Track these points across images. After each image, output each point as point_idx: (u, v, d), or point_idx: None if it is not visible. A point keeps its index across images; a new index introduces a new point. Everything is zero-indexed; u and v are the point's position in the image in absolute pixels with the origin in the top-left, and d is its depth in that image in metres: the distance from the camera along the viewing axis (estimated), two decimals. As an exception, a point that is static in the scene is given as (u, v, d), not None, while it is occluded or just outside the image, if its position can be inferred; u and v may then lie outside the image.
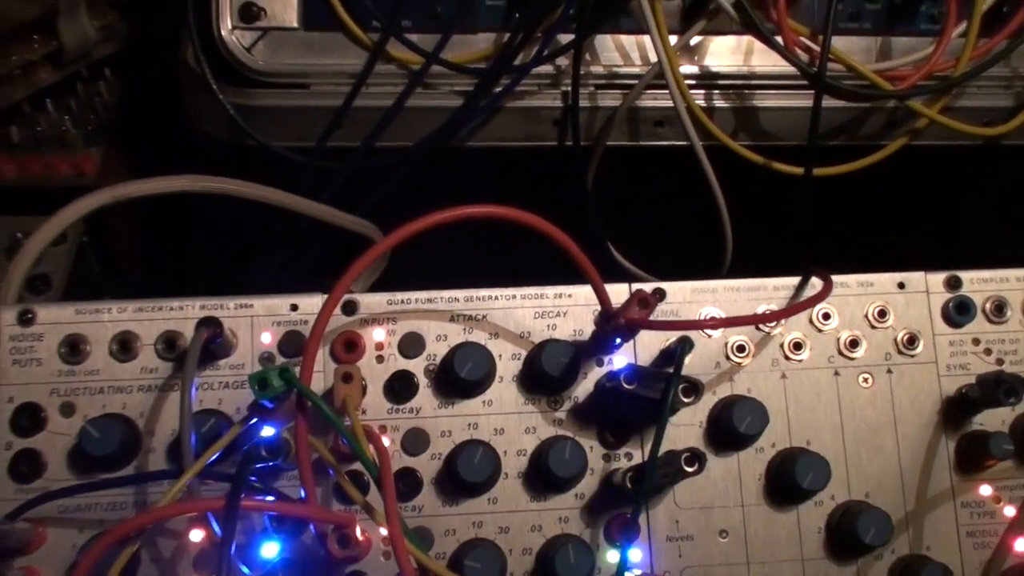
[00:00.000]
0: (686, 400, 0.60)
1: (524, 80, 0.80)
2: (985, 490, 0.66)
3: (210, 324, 0.62)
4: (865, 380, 0.66)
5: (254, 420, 0.58)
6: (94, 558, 0.52)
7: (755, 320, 0.64)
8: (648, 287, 0.66)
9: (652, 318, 0.60)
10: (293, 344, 0.64)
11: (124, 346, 0.63)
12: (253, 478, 0.60)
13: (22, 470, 0.62)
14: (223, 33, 0.79)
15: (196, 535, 0.61)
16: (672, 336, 0.65)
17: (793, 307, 0.63)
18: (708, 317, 0.66)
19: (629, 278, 0.84)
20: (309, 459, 0.56)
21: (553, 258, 0.62)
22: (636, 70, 0.81)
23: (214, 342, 0.63)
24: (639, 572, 0.61)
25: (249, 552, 0.59)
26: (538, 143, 0.83)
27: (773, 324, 0.66)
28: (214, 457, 0.58)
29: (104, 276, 0.95)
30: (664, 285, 0.67)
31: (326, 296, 0.64)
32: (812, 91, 0.77)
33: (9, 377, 0.63)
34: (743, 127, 0.83)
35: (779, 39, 0.74)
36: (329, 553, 0.55)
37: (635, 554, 0.63)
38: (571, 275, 0.65)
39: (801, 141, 0.81)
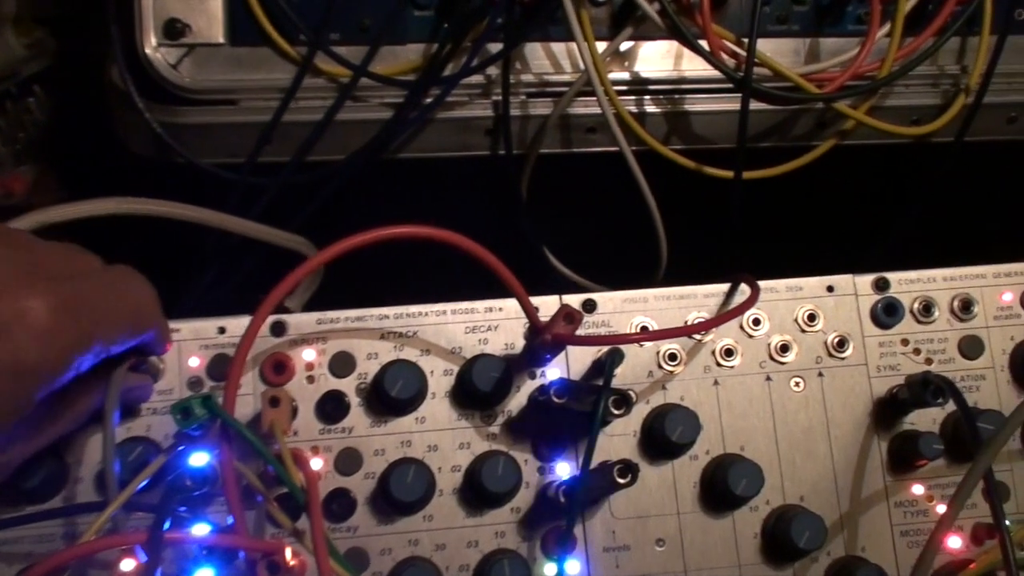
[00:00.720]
0: (617, 412, 0.60)
1: (454, 90, 0.79)
2: (918, 489, 0.66)
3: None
4: (797, 384, 0.67)
5: (180, 448, 0.58)
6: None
7: (684, 332, 0.64)
8: (577, 299, 0.66)
9: (581, 331, 0.60)
10: (221, 368, 0.63)
11: (48, 375, 0.62)
12: (182, 508, 0.59)
13: (-52, 504, 0.61)
14: (147, 50, 0.78)
15: (127, 564, 0.60)
16: (604, 347, 0.65)
17: (721, 316, 0.63)
18: (639, 327, 0.66)
19: (564, 286, 0.85)
20: (237, 486, 0.55)
21: (473, 271, 0.62)
22: (567, 77, 0.81)
23: (139, 368, 0.62)
24: (573, 586, 0.61)
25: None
26: (471, 153, 0.83)
27: (704, 332, 0.66)
28: (142, 485, 0.57)
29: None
30: (594, 296, 0.67)
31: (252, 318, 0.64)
32: (738, 95, 0.77)
33: (-69, 410, 0.61)
34: (674, 132, 0.83)
35: (704, 44, 0.74)
36: (260, 579, 0.55)
37: (572, 566, 0.63)
38: (495, 286, 0.65)
39: (731, 144, 0.81)
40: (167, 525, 0.53)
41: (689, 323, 0.66)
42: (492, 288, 0.66)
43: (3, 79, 0.94)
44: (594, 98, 0.79)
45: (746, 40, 0.75)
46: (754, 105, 0.77)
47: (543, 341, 0.59)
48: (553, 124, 0.81)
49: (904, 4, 0.75)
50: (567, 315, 0.58)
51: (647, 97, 0.82)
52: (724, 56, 0.76)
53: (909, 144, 0.84)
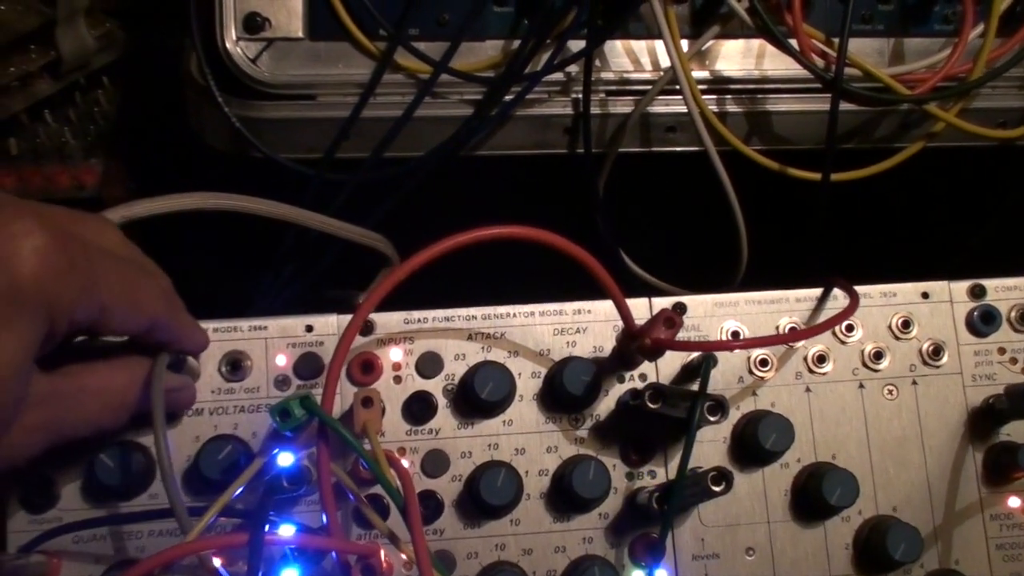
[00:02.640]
0: (712, 419, 0.59)
1: (534, 88, 0.78)
2: (1014, 502, 0.65)
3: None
4: (890, 392, 0.65)
5: (277, 450, 0.57)
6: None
7: (783, 340, 0.63)
8: (667, 301, 0.65)
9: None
10: (309, 366, 0.63)
11: (136, 371, 0.62)
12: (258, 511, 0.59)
13: (35, 501, 0.61)
14: (227, 44, 0.77)
15: (216, 563, 0.60)
16: (695, 351, 0.64)
17: (821, 325, 0.62)
18: (730, 331, 0.65)
19: (644, 288, 0.84)
20: (331, 487, 0.55)
21: (568, 271, 0.61)
22: (647, 75, 0.80)
23: (178, 367, 0.61)
24: (665, 594, 0.60)
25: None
26: (549, 151, 0.82)
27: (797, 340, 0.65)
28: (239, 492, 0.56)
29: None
30: (684, 299, 0.65)
31: (340, 316, 0.64)
32: (825, 94, 0.76)
33: (19, 405, 0.61)
34: (755, 132, 0.81)
35: (794, 43, 0.73)
36: (354, 584, 0.54)
37: (660, 574, 0.62)
38: (587, 288, 0.64)
39: (815, 145, 0.80)
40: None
41: (781, 327, 0.65)
42: (567, 291, 0.66)
43: (74, 70, 0.94)
44: (674, 97, 0.79)
45: (834, 39, 0.74)
46: (841, 106, 0.75)
47: (641, 346, 0.58)
48: (634, 123, 0.80)
49: (999, 4, 0.73)
50: (667, 319, 0.57)
51: (728, 96, 0.81)
52: (813, 56, 0.74)
53: (995, 148, 0.82)
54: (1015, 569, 0.64)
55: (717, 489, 0.59)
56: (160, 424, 0.53)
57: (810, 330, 0.62)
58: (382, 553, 0.55)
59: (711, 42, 0.80)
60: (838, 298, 0.66)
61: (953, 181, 0.86)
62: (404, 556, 0.59)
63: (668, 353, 0.64)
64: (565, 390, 0.62)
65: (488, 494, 0.60)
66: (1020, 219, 0.82)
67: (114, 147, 0.96)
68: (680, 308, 0.65)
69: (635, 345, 0.59)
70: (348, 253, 0.81)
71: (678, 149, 0.82)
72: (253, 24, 0.78)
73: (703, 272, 0.80)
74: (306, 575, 0.58)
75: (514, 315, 0.65)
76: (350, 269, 0.83)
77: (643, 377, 0.65)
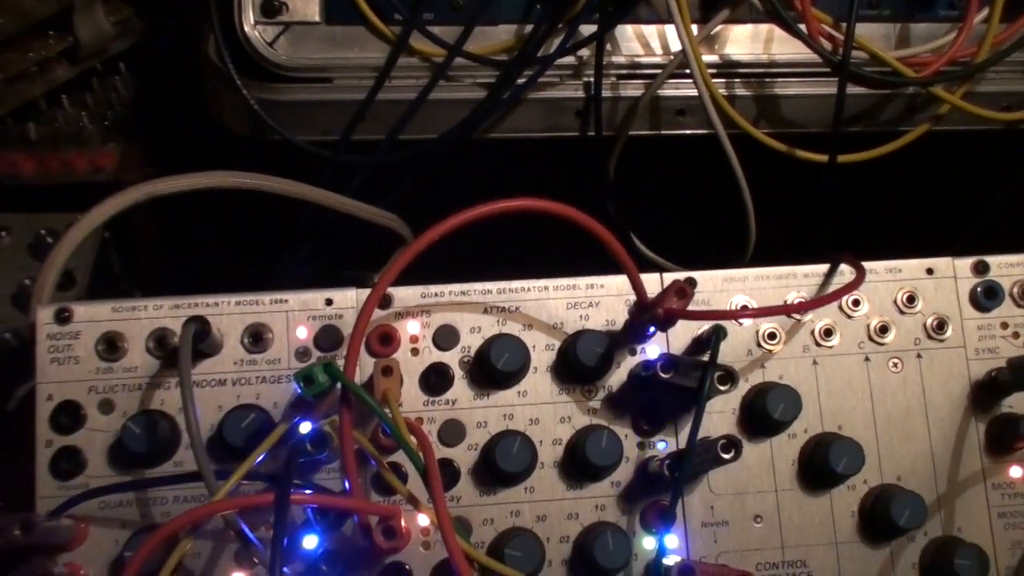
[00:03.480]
0: (722, 388, 0.61)
1: (546, 71, 0.80)
2: (1016, 472, 0.66)
3: (197, 321, 0.62)
4: (895, 365, 0.67)
5: (300, 415, 0.59)
6: (147, 552, 0.52)
7: (791, 309, 0.65)
8: (678, 276, 0.66)
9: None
10: (329, 338, 0.65)
11: (160, 343, 0.64)
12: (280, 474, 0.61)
13: (63, 467, 0.62)
14: (246, 28, 0.79)
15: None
16: (704, 324, 0.66)
17: (828, 296, 0.64)
18: (739, 306, 0.67)
19: (653, 267, 0.85)
20: (353, 452, 0.56)
21: (575, 248, 0.63)
22: (657, 59, 0.82)
23: (203, 340, 0.62)
24: (676, 558, 0.62)
25: (290, 545, 0.60)
26: (560, 134, 0.83)
27: (804, 312, 0.66)
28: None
29: (125, 272, 0.95)
30: (694, 274, 0.67)
31: (359, 290, 0.66)
32: (832, 78, 0.78)
33: (48, 375, 0.63)
34: (763, 115, 0.83)
35: (802, 27, 0.74)
36: (374, 544, 0.56)
37: (671, 540, 0.64)
38: (593, 264, 0.66)
39: (822, 128, 0.82)
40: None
41: (789, 302, 0.67)
42: (574, 267, 0.67)
43: (91, 56, 0.95)
44: (684, 80, 0.80)
45: (841, 24, 0.76)
46: (848, 89, 0.77)
47: (654, 316, 0.59)
48: (644, 106, 0.82)
49: (1003, -11, 0.75)
50: (679, 290, 0.58)
51: (737, 80, 0.82)
52: (821, 39, 0.76)
53: (997, 131, 0.83)
54: (1016, 537, 0.66)
55: (727, 456, 0.60)
56: (188, 390, 0.55)
57: (817, 301, 0.64)
58: (402, 516, 0.57)
59: (720, 26, 0.81)
60: (845, 274, 0.67)
61: (957, 163, 0.88)
62: (421, 521, 0.61)
63: (678, 327, 0.66)
64: (579, 361, 0.63)
65: (504, 461, 0.62)
66: (1018, 200, 0.83)
67: (131, 132, 0.97)
68: (691, 282, 0.67)
69: (648, 316, 0.60)
70: (363, 234, 0.83)
71: (687, 132, 0.84)
72: (271, 8, 0.79)
73: (711, 252, 0.81)
74: (325, 540, 0.60)
75: (528, 289, 0.66)
76: (365, 251, 0.85)
77: (653, 350, 0.66)
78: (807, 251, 0.71)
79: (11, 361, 0.78)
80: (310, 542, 0.59)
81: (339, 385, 0.57)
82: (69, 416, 0.63)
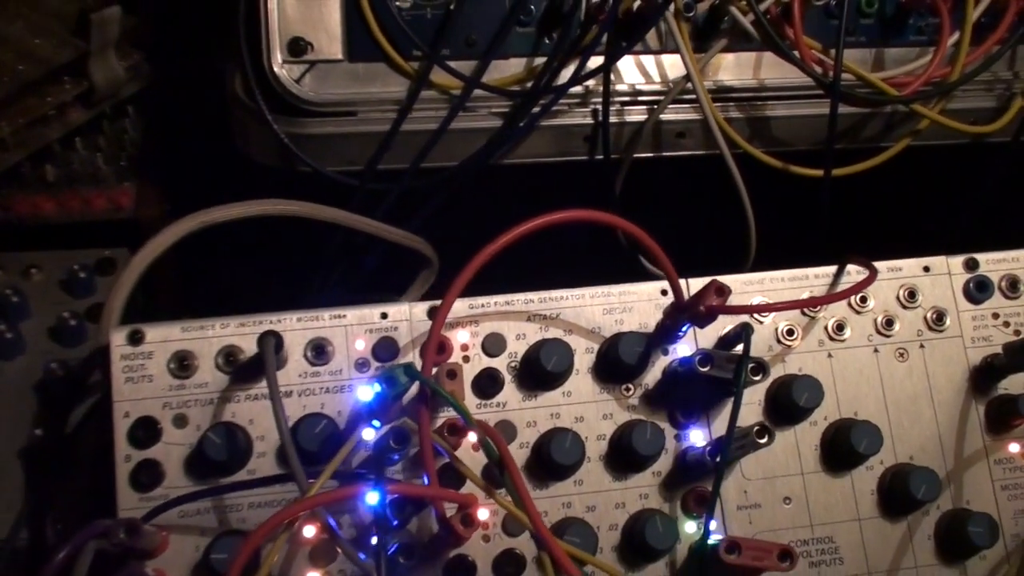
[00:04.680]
0: (755, 379, 0.66)
1: (559, 101, 0.86)
2: (1014, 447, 0.73)
3: (274, 335, 0.66)
4: (901, 355, 0.74)
5: (378, 417, 0.63)
6: (259, 539, 0.56)
7: (816, 302, 0.71)
8: (703, 281, 0.72)
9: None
10: (386, 349, 0.69)
11: (229, 359, 0.68)
12: (363, 471, 0.65)
13: (142, 480, 0.66)
14: (274, 67, 0.84)
15: (309, 531, 0.66)
16: (728, 325, 0.72)
17: (848, 290, 0.70)
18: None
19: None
20: (431, 447, 0.61)
21: (594, 258, 0.68)
22: (657, 87, 0.88)
23: (278, 352, 0.67)
24: (718, 536, 0.67)
25: (361, 543, 0.64)
26: (570, 158, 0.89)
27: (817, 308, 0.73)
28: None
29: (148, 306, 0.99)
30: (716, 278, 0.73)
31: (412, 304, 0.71)
32: (821, 99, 0.85)
33: (123, 394, 0.67)
34: (756, 136, 0.90)
35: (796, 54, 0.82)
36: (451, 533, 0.60)
37: (712, 525, 0.69)
38: (609, 273, 0.73)
39: (810, 146, 0.89)
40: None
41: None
42: (599, 276, 0.73)
43: (105, 99, 0.99)
44: (683, 105, 0.87)
45: (829, 50, 0.83)
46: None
47: (696, 313, 0.65)
48: (647, 130, 0.88)
49: (971, 14, 0.83)
50: (717, 289, 0.64)
51: (731, 104, 0.89)
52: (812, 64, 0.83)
53: (967, 144, 0.91)
54: (1019, 506, 0.72)
55: (762, 441, 0.66)
56: (276, 394, 0.60)
57: (840, 294, 0.71)
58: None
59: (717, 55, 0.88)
60: (851, 273, 0.74)
61: (934, 175, 0.95)
62: (483, 513, 0.66)
63: (706, 328, 0.72)
64: (620, 361, 0.69)
65: (558, 455, 0.67)
66: (997, 204, 0.91)
67: (146, 171, 1.01)
68: (717, 284, 0.72)
69: (688, 314, 0.66)
70: (389, 259, 0.88)
71: (687, 153, 0.90)
72: (297, 48, 0.84)
73: (713, 266, 0.87)
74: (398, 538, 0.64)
75: (567, 298, 0.72)
76: (390, 275, 0.90)
77: (683, 350, 0.72)
78: (799, 258, 0.77)
79: (61, 390, 0.81)
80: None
81: (412, 389, 0.62)
82: (146, 431, 0.66)
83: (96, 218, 0.99)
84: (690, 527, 0.70)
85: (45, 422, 0.80)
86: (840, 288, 0.73)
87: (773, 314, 0.73)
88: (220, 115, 0.91)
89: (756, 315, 0.73)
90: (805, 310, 0.73)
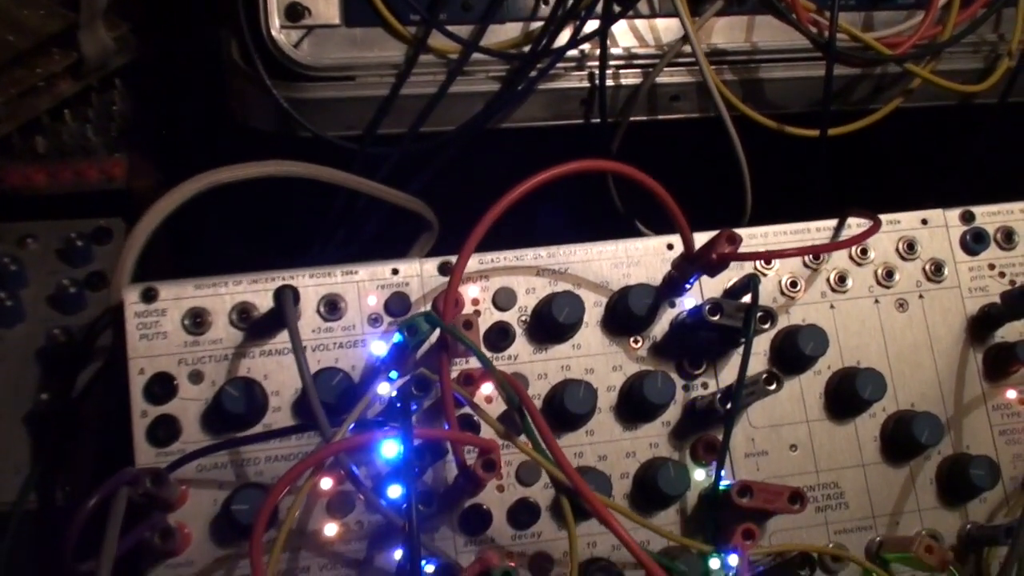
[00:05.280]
0: (764, 327, 0.68)
1: (556, 64, 0.87)
2: (1011, 394, 0.75)
3: (290, 288, 0.67)
4: (901, 306, 0.75)
5: (392, 373, 0.64)
6: (289, 480, 0.57)
7: (829, 248, 0.73)
8: (710, 234, 0.73)
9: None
10: (398, 304, 0.70)
11: (243, 316, 0.68)
12: (380, 419, 0.66)
13: (159, 435, 0.66)
14: (272, 32, 0.84)
15: (326, 483, 0.67)
16: (734, 278, 0.73)
17: (857, 236, 0.72)
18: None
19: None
20: (451, 394, 0.62)
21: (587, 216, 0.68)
22: (652, 50, 0.89)
23: (295, 305, 0.67)
24: (729, 482, 0.69)
25: (377, 493, 0.65)
26: (567, 122, 0.90)
27: (819, 260, 0.74)
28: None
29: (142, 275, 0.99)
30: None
31: (422, 260, 0.71)
32: (816, 60, 0.86)
33: (138, 351, 0.67)
34: (750, 98, 0.91)
35: (793, 16, 0.83)
36: (472, 478, 0.61)
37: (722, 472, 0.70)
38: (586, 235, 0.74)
39: (804, 108, 0.90)
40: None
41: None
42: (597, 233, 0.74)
43: (94, 71, 0.99)
44: (678, 68, 0.88)
45: (823, 11, 0.85)
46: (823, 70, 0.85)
47: (707, 261, 0.66)
48: (643, 93, 0.89)
49: (961, -25, 0.85)
50: (728, 237, 0.65)
51: (725, 67, 0.90)
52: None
53: (956, 107, 0.93)
54: (1017, 451, 0.74)
55: (771, 388, 0.67)
56: (298, 342, 0.60)
57: (847, 241, 0.72)
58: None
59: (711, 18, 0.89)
60: (851, 227, 0.76)
61: (924, 138, 0.97)
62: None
63: (711, 281, 0.73)
64: (630, 312, 0.70)
65: (572, 404, 0.68)
66: (986, 164, 0.93)
67: (137, 142, 1.01)
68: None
69: (698, 264, 0.67)
70: (388, 222, 0.89)
71: (681, 116, 0.91)
72: (294, 13, 0.85)
73: (709, 224, 0.89)
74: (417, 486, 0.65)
75: (575, 252, 0.73)
76: (389, 239, 0.91)
77: (689, 303, 0.73)
78: (795, 219, 0.79)
79: (65, 355, 0.81)
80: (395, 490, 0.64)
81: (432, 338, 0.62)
82: (162, 387, 0.67)
83: (89, 189, 0.98)
84: (699, 475, 0.71)
85: (50, 387, 0.80)
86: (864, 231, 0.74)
87: (776, 267, 0.74)
88: (211, 84, 0.91)
89: (760, 267, 0.74)
90: (808, 262, 0.74)
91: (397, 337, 0.62)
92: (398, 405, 0.59)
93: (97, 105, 1.01)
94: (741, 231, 0.73)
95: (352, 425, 0.62)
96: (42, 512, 0.76)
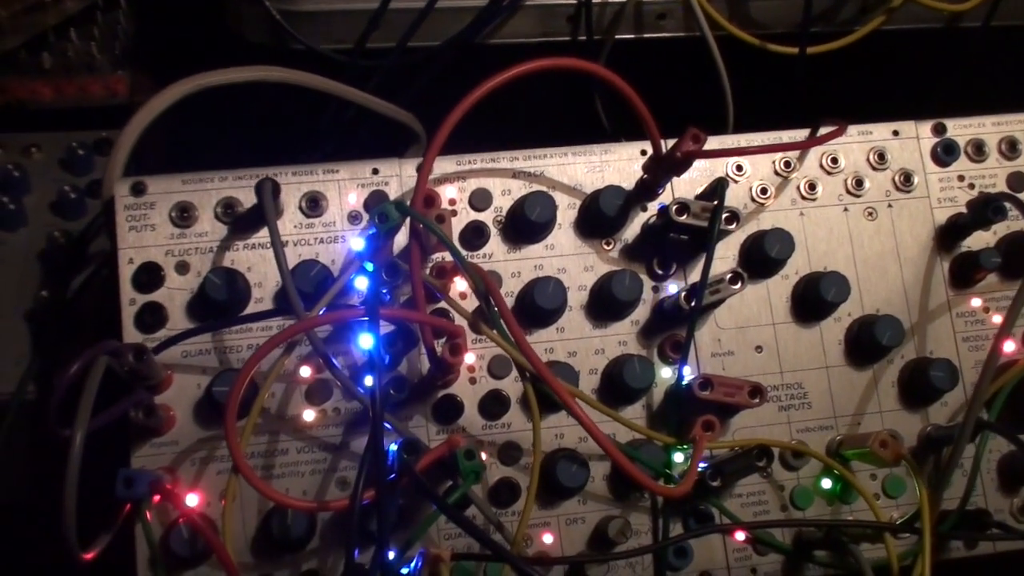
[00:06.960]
0: (729, 227, 0.70)
1: (542, -21, 0.88)
2: (975, 302, 0.77)
3: (270, 182, 0.69)
4: (870, 214, 0.77)
5: (367, 264, 0.66)
6: (260, 356, 0.60)
7: (790, 147, 0.74)
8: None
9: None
10: (377, 203, 0.72)
11: (228, 210, 0.71)
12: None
13: (147, 321, 0.69)
14: (265, -56, 0.86)
15: (305, 371, 0.70)
16: (704, 184, 0.75)
17: (822, 136, 0.73)
18: (734, 166, 0.76)
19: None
20: (421, 280, 0.64)
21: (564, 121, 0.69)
22: (639, -33, 0.91)
23: (275, 198, 0.70)
24: (693, 376, 0.71)
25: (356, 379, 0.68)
26: (553, 38, 0.92)
27: (790, 168, 0.76)
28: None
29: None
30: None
31: (402, 160, 0.74)
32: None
33: (127, 241, 0.70)
34: (734, 18, 0.92)
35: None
36: (442, 361, 0.64)
37: (686, 369, 0.73)
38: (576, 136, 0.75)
39: (787, 29, 0.91)
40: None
41: (778, 161, 0.76)
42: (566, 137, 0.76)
43: (95, -11, 1.01)
44: (665, -14, 0.90)
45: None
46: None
47: (672, 160, 0.68)
48: (630, 11, 0.90)
49: None
50: (693, 135, 0.67)
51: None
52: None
53: (938, 29, 0.94)
54: (978, 357, 0.76)
55: (735, 287, 0.70)
56: (274, 228, 0.63)
57: (811, 141, 0.74)
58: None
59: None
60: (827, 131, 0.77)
61: (905, 62, 0.98)
62: (469, 357, 0.69)
63: (682, 186, 0.75)
64: (601, 213, 0.72)
65: (542, 299, 0.70)
66: (967, 90, 0.94)
67: (140, 59, 1.03)
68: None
69: (666, 164, 0.69)
70: (377, 135, 0.91)
71: (668, 35, 0.93)
72: (288, -74, 0.87)
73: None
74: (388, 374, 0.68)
75: (550, 156, 0.75)
76: (378, 147, 0.93)
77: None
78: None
79: (64, 256, 0.84)
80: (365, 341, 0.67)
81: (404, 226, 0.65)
82: (149, 276, 0.69)
83: (93, 104, 1.01)
84: (666, 372, 0.73)
85: (50, 286, 0.83)
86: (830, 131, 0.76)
87: (748, 174, 0.76)
88: (212, 3, 0.94)
89: (731, 174, 0.76)
90: (779, 170, 0.76)
91: (370, 225, 0.64)
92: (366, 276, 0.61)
93: (102, 23, 1.03)
94: (714, 138, 0.76)
95: (324, 309, 0.64)
96: (39, 402, 0.79)
